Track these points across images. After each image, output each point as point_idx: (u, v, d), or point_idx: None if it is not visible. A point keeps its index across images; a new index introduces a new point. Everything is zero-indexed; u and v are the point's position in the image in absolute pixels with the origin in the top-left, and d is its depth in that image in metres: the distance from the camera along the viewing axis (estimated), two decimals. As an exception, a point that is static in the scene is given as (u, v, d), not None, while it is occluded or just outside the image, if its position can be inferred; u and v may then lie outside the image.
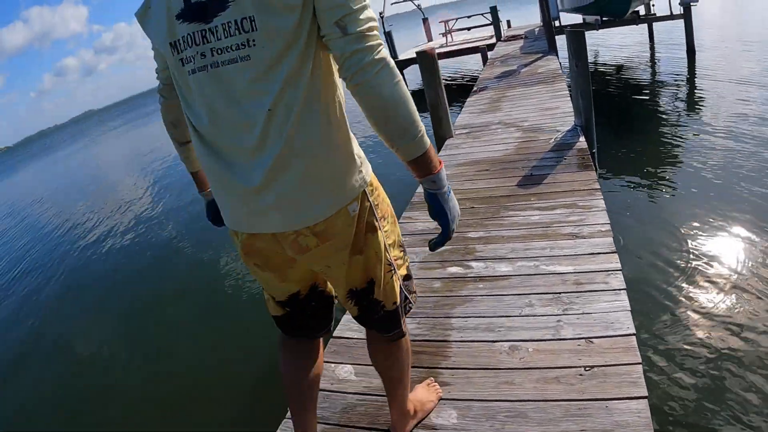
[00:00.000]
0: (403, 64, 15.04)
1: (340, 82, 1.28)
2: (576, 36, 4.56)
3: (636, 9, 13.03)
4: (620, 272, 2.50)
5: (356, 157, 1.33)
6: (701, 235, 4.54)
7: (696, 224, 4.73)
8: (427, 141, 1.24)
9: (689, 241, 4.45)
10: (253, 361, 4.33)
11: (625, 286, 2.39)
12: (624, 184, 5.91)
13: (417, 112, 1.22)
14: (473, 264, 2.87)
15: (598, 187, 3.49)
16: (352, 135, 1.33)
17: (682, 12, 12.83)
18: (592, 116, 4.61)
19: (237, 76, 1.18)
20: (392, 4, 20.01)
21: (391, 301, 1.54)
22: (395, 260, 1.52)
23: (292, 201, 1.26)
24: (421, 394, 1.99)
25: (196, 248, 7.63)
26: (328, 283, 1.61)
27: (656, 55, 15.01)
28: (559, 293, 2.44)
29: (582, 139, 4.54)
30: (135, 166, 17.96)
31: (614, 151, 6.73)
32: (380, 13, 18.37)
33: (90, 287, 7.18)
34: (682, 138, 7.29)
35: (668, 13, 13.39)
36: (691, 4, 12.64)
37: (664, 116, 8.71)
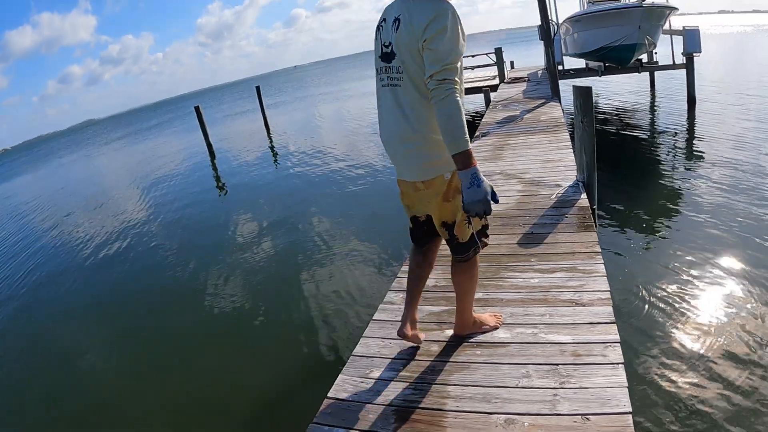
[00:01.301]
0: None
1: None
2: (583, 92, 4.61)
3: (639, 57, 13.24)
4: (619, 345, 2.49)
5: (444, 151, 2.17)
6: (698, 298, 4.57)
7: (692, 285, 4.78)
8: (465, 146, 2.05)
9: (686, 304, 4.47)
10: (262, 374, 4.56)
11: (623, 360, 2.38)
12: (623, 242, 5.96)
13: (463, 129, 2.05)
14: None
15: (599, 250, 3.49)
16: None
17: (684, 62, 13.04)
18: (595, 173, 4.64)
19: (399, 92, 2.25)
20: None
21: (463, 238, 2.43)
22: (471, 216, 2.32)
23: (411, 167, 2.35)
24: (485, 317, 2.84)
25: (195, 261, 8.00)
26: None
27: (657, 103, 15.27)
28: (557, 365, 2.42)
29: (584, 196, 4.57)
30: (133, 180, 18.19)
31: (614, 205, 6.80)
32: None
33: (84, 306, 7.26)
34: (680, 192, 7.38)
35: (671, 63, 13.59)
36: (694, 54, 12.85)
37: (663, 169, 8.81)
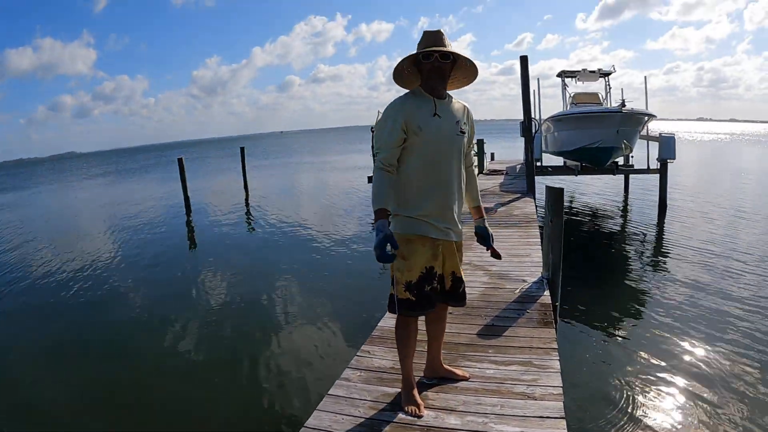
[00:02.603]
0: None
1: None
2: (555, 193, 4.82)
3: (616, 160, 13.74)
4: (565, 442, 2.54)
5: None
6: (652, 403, 4.67)
7: (647, 390, 4.88)
8: (374, 207, 2.52)
9: (638, 409, 4.55)
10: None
11: (568, 458, 2.43)
12: (583, 340, 6.08)
13: (378, 194, 2.56)
14: (424, 411, 2.88)
15: (556, 346, 3.58)
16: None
17: (658, 167, 13.60)
18: (560, 271, 4.79)
19: None
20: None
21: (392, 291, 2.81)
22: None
23: None
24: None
25: (153, 312, 7.86)
26: None
27: (629, 205, 15.81)
28: (504, 457, 2.45)
29: (547, 293, 4.69)
30: (106, 221, 18.02)
31: (577, 302, 6.95)
32: (372, 129, 19.18)
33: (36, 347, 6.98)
34: (643, 294, 7.62)
35: (645, 167, 14.15)
36: (668, 161, 13.43)
37: (629, 269, 9.08)
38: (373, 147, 2.78)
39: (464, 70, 2.81)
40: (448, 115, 2.71)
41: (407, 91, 2.76)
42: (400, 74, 2.78)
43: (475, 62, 2.73)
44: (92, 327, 7.53)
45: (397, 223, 2.72)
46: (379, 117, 2.73)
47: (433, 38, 2.64)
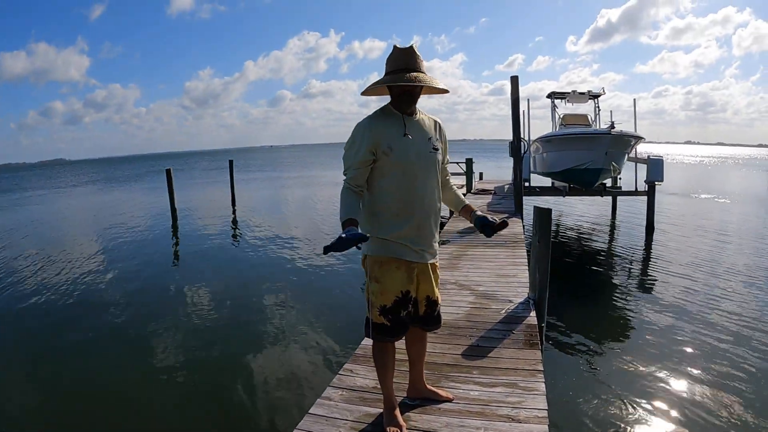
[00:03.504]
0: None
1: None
2: (543, 213, 4.79)
3: (604, 181, 13.82)
4: (550, 466, 2.49)
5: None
6: (638, 425, 4.63)
7: (632, 414, 4.84)
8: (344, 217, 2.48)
9: (624, 431, 4.51)
10: None
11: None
12: (568, 362, 6.04)
13: (345, 207, 2.53)
14: (406, 433, 2.82)
15: (541, 368, 3.53)
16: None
17: (646, 189, 13.69)
18: (546, 292, 4.76)
19: None
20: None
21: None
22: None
23: None
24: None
25: (133, 323, 7.58)
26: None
27: (617, 226, 15.91)
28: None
29: (533, 314, 4.65)
30: (90, 229, 17.97)
31: (564, 324, 6.93)
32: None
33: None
34: (630, 316, 7.65)
35: (633, 189, 14.25)
36: (656, 183, 13.53)
37: (615, 291, 9.10)
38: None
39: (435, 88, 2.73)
40: (420, 133, 2.67)
41: (375, 108, 2.72)
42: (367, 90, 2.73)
43: (438, 84, 2.63)
44: (67, 342, 7.33)
45: (370, 244, 2.64)
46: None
47: (404, 59, 2.57)
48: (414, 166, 2.61)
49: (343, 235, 2.31)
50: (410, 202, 2.62)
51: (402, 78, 2.52)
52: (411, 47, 2.60)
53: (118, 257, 12.82)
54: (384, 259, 2.64)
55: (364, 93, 2.75)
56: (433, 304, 2.83)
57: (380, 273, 2.64)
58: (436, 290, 2.85)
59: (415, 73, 2.54)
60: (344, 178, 2.61)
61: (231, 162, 24.90)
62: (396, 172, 2.58)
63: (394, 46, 2.62)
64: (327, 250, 2.27)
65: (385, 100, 2.74)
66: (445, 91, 2.75)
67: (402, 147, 2.57)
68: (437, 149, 2.73)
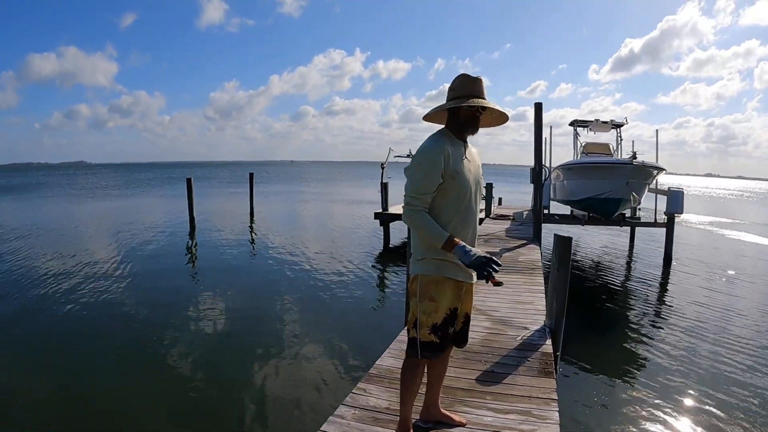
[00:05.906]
0: (389, 218, 15.56)
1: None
2: (564, 242, 4.78)
3: (623, 211, 13.71)
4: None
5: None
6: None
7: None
8: (442, 238, 2.54)
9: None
10: None
11: None
12: (583, 392, 5.97)
13: (435, 228, 2.56)
14: (418, 457, 2.82)
15: (556, 397, 3.50)
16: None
17: (665, 221, 13.57)
18: (563, 320, 4.73)
19: None
20: (395, 157, 21.11)
21: (410, 335, 2.78)
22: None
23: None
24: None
25: (146, 330, 7.45)
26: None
27: (634, 257, 15.74)
28: None
29: (549, 342, 4.62)
30: (109, 233, 18.14)
31: (579, 353, 6.85)
32: (382, 165, 19.37)
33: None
34: (645, 347, 7.57)
35: (652, 220, 14.12)
36: (676, 215, 13.39)
37: (631, 321, 9.01)
38: (406, 188, 2.65)
39: (493, 118, 2.88)
40: (474, 159, 2.79)
41: (437, 128, 2.79)
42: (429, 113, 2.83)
43: (507, 111, 2.79)
44: (85, 343, 7.42)
45: (425, 265, 2.69)
46: (409, 155, 2.71)
47: (472, 86, 2.69)
48: (470, 190, 2.70)
49: (483, 254, 2.49)
50: (465, 224, 2.69)
51: (480, 102, 2.66)
52: (480, 78, 2.72)
53: (135, 263, 12.93)
54: (440, 278, 2.68)
55: (426, 118, 2.87)
56: (467, 321, 2.91)
57: (436, 292, 2.68)
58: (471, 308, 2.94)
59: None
60: (415, 201, 2.61)
61: (251, 174, 25.17)
62: (456, 195, 2.65)
63: (462, 74, 2.74)
64: (497, 264, 2.48)
65: (431, 128, 2.84)
66: (503, 122, 2.93)
67: (464, 171, 2.67)
68: (482, 175, 2.88)
